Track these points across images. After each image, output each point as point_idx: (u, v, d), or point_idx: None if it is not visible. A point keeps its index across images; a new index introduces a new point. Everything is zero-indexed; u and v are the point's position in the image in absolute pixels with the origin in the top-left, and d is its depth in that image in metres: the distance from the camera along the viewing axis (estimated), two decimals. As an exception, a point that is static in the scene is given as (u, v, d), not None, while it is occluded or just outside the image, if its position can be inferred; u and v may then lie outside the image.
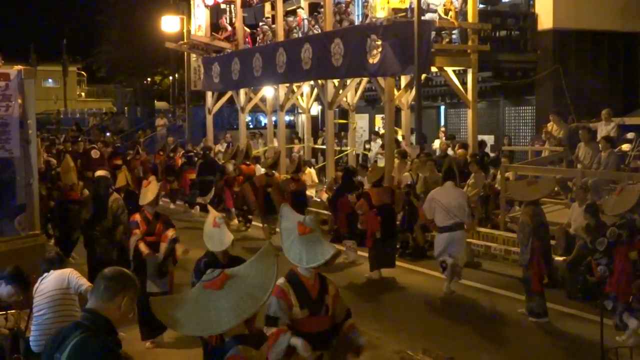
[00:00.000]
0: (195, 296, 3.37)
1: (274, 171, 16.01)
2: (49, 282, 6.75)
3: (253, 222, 17.20)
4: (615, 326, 8.65)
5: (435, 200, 11.13)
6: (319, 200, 17.99)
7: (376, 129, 24.31)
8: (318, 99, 22.54)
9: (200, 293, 3.37)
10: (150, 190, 9.05)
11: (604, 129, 14.98)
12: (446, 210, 10.95)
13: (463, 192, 11.45)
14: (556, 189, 14.87)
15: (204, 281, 3.44)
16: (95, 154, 22.23)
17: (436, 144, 19.95)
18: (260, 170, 19.13)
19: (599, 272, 8.70)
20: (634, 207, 8.82)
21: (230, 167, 18.24)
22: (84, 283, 6.71)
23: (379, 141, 21.38)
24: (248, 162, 17.90)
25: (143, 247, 8.78)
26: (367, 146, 22.70)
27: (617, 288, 8.55)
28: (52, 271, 6.84)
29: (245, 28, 24.35)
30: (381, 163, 17.86)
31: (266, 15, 24.68)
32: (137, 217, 9.03)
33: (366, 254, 12.68)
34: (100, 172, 11.64)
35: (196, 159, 20.28)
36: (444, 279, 11.47)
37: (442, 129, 21.25)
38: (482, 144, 18.12)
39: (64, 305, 6.64)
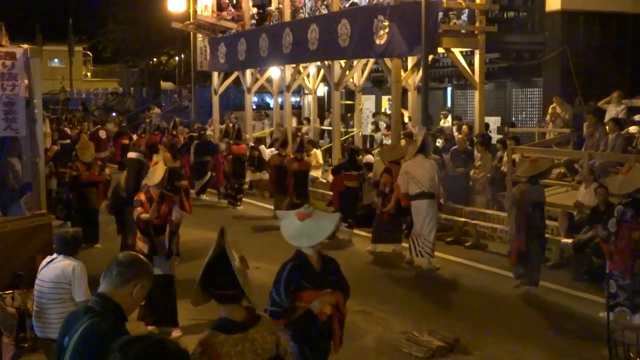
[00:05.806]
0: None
1: (286, 150, 15.95)
2: (51, 270, 6.40)
3: (258, 203, 17.18)
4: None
5: (408, 173, 11.64)
6: (324, 181, 17.97)
7: (383, 110, 24.23)
8: (324, 79, 22.46)
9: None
10: (157, 170, 8.74)
11: (613, 110, 14.91)
12: (415, 181, 11.51)
13: (434, 164, 11.95)
14: (562, 170, 14.88)
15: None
16: (102, 134, 22.29)
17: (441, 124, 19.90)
18: (265, 150, 19.16)
19: (601, 236, 9.20)
20: None
21: (222, 146, 18.19)
22: (83, 294, 6.26)
23: (383, 122, 21.37)
24: (239, 142, 17.84)
25: (144, 215, 8.52)
26: (372, 127, 22.61)
27: (620, 266, 8.69)
28: (60, 256, 6.43)
29: (252, 7, 24.16)
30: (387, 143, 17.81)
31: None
32: (141, 196, 8.70)
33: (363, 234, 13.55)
34: (132, 154, 11.50)
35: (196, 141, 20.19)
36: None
37: (445, 112, 21.06)
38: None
39: (63, 296, 6.34)
